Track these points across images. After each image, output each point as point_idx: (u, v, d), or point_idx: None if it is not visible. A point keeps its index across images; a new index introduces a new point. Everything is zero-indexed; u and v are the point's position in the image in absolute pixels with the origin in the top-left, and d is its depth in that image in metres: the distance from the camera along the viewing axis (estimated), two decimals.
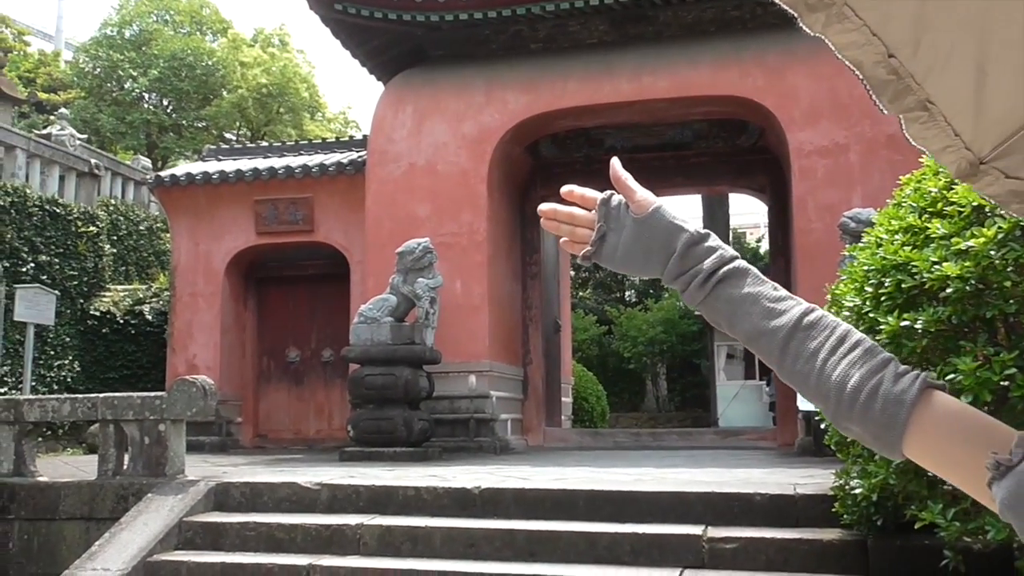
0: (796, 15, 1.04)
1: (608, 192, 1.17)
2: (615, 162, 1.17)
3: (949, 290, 3.54)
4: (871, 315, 3.92)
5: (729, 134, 13.07)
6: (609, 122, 12.70)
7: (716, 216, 29.68)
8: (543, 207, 1.21)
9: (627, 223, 1.14)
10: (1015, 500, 0.80)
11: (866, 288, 4.04)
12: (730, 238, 32.41)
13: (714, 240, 1.11)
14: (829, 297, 4.85)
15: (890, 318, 3.70)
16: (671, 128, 13.06)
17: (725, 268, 1.08)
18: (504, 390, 12.27)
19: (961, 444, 0.89)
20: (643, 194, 1.15)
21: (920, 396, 0.93)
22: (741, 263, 1.09)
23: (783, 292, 1.07)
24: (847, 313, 4.27)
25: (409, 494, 6.39)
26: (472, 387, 11.40)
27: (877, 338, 3.79)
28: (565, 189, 1.20)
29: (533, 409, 13.61)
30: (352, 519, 6.14)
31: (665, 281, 1.13)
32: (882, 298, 3.88)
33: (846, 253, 6.95)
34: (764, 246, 31.43)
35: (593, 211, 1.17)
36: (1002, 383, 3.31)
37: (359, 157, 12.73)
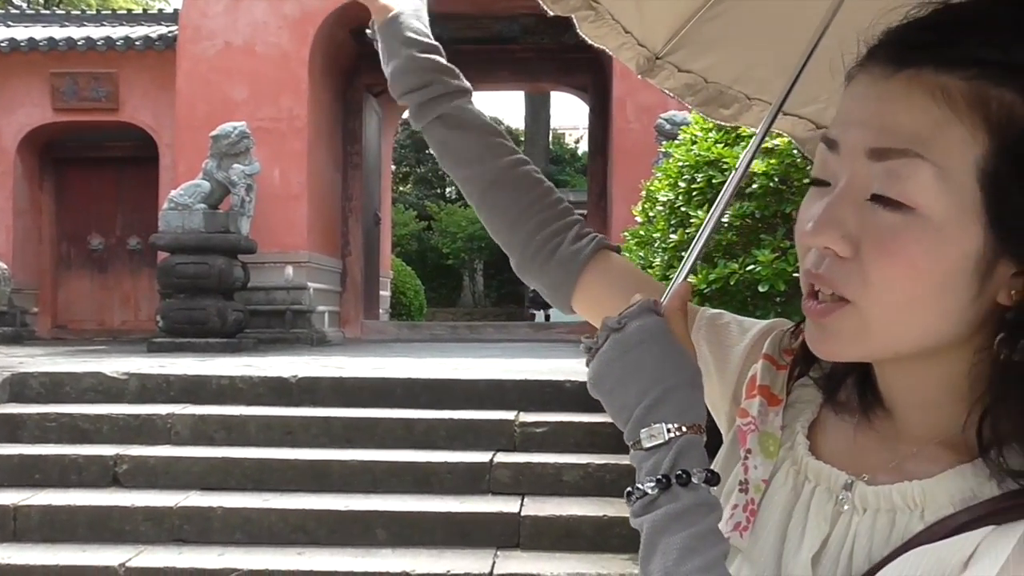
0: None
1: None
2: None
3: (755, 186, 3.74)
4: (683, 209, 4.10)
5: (555, 30, 13.07)
6: (436, 10, 12.33)
7: (539, 116, 29.94)
8: None
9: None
10: (596, 380, 0.80)
11: (679, 183, 4.21)
12: (550, 138, 32.88)
13: (441, 61, 1.06)
14: (644, 193, 5.03)
15: (700, 212, 3.88)
16: (499, 21, 12.94)
17: (447, 102, 1.05)
18: (322, 282, 12.11)
19: (612, 296, 0.93)
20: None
21: (593, 255, 0.99)
22: (465, 100, 1.06)
23: (499, 139, 1.05)
24: (660, 207, 4.45)
25: (223, 383, 6.26)
26: (289, 278, 11.17)
27: (687, 231, 3.99)
28: None
29: (351, 301, 13.52)
30: (162, 408, 5.97)
31: (393, 95, 1.08)
32: (694, 193, 4.06)
33: (662, 151, 7.19)
34: (583, 147, 32.07)
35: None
36: (795, 274, 3.55)
37: (169, 32, 11.92)
